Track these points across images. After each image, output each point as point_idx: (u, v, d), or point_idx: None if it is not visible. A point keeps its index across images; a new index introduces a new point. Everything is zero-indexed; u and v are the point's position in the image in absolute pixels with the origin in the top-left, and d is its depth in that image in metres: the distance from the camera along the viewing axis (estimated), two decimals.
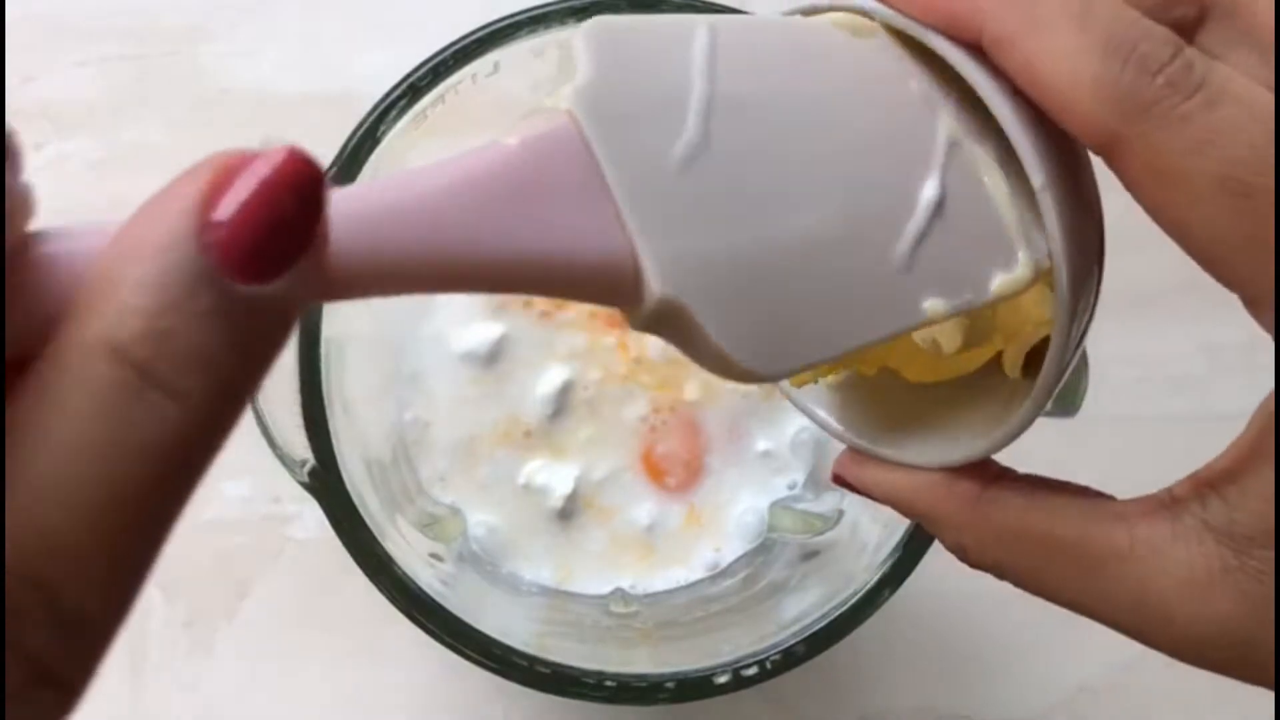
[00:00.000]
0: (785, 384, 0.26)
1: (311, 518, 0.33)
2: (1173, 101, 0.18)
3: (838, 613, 0.34)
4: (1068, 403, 0.31)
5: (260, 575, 0.44)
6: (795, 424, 0.42)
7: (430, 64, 0.34)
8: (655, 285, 0.17)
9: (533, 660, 0.33)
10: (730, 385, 0.42)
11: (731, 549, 0.42)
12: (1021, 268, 0.21)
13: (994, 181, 0.21)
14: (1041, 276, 0.21)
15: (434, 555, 0.38)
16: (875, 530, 0.36)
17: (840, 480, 0.25)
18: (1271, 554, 0.19)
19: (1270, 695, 0.43)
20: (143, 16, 0.49)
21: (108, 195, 0.47)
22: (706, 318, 0.18)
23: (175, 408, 0.12)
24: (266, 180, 0.12)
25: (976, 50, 0.20)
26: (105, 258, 0.12)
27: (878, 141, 0.20)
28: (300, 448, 0.33)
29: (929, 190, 0.20)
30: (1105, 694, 0.45)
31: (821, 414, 0.26)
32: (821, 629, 0.34)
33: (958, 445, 0.22)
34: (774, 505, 0.42)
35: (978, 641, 0.45)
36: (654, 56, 0.18)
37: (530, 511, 0.41)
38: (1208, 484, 0.20)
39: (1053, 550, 0.21)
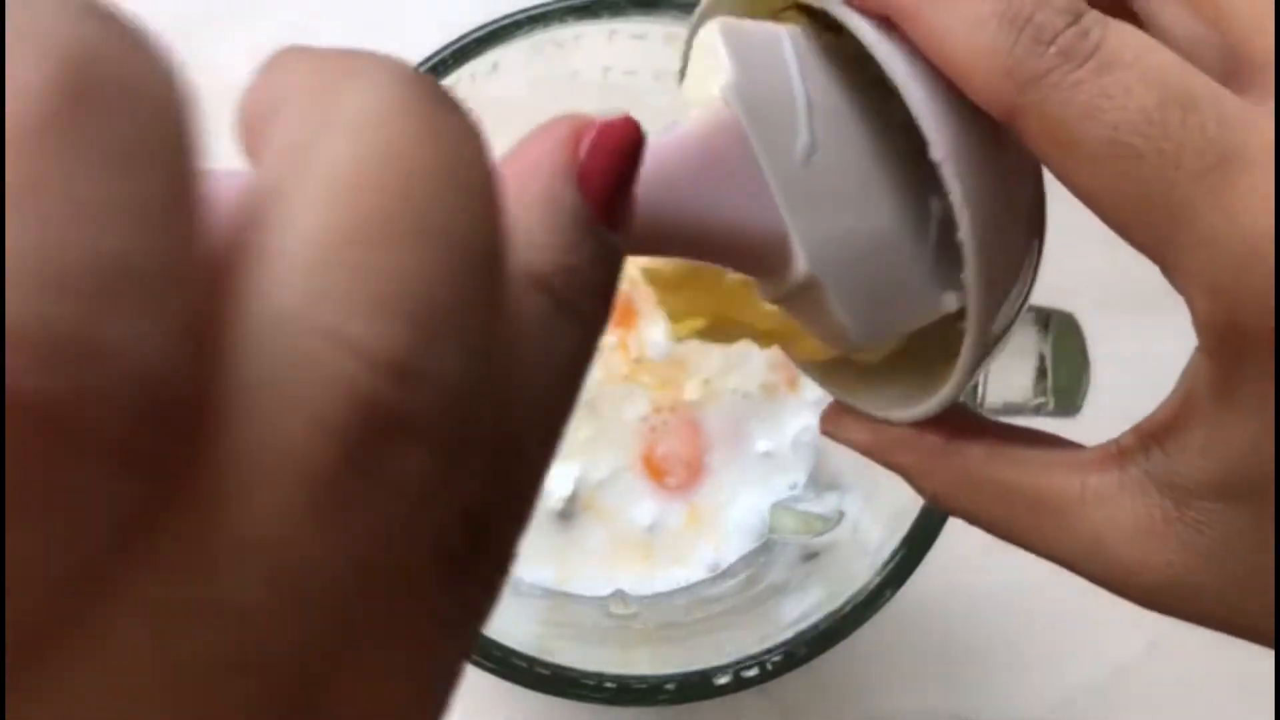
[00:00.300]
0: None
1: None
2: (1065, 70, 0.18)
3: (839, 614, 0.34)
4: (1068, 403, 0.31)
5: None
6: (796, 424, 0.42)
7: (429, 63, 0.34)
8: (802, 263, 0.20)
9: (533, 661, 0.33)
10: (730, 385, 0.42)
11: (732, 550, 0.42)
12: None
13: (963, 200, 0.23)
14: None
15: None
16: (876, 531, 0.36)
17: (826, 432, 0.26)
18: (1210, 505, 0.20)
19: (1270, 696, 0.43)
20: (142, 16, 0.49)
21: None
22: (835, 294, 0.20)
23: (580, 330, 0.14)
24: (619, 135, 0.14)
25: (890, 26, 0.20)
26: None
27: (909, 155, 0.21)
28: None
29: (935, 203, 0.22)
30: (1106, 695, 0.45)
31: (811, 368, 0.27)
32: (822, 630, 0.34)
33: (912, 402, 0.24)
34: (775, 506, 0.42)
35: (979, 643, 0.45)
36: (766, 58, 0.20)
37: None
38: (1150, 436, 0.21)
39: (1013, 499, 0.22)
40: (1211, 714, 0.45)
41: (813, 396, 0.42)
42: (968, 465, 0.23)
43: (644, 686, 0.34)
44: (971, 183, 0.20)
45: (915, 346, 0.25)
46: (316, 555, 0.10)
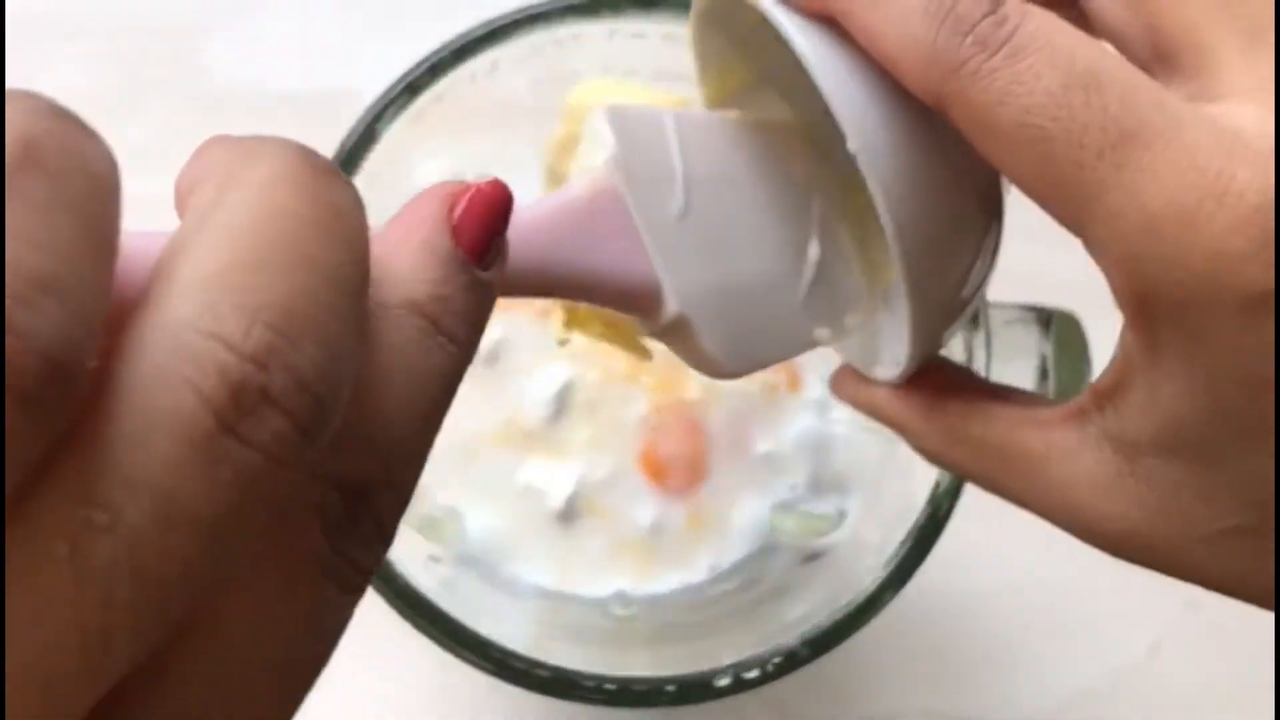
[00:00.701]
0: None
1: None
2: (981, 58, 0.19)
3: (839, 616, 0.34)
4: (1069, 399, 0.31)
5: None
6: (797, 425, 0.42)
7: (429, 63, 0.34)
8: (672, 304, 0.23)
9: (532, 663, 0.33)
10: (731, 386, 0.42)
11: (733, 552, 0.41)
12: (863, 308, 0.27)
13: (848, 247, 0.27)
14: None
15: (433, 557, 0.38)
16: (877, 533, 0.35)
17: (834, 392, 0.28)
18: (1154, 462, 0.21)
19: (1271, 698, 0.42)
20: (142, 16, 0.49)
21: None
22: (702, 330, 0.24)
23: (453, 349, 0.17)
24: (487, 196, 0.18)
25: (830, 23, 0.22)
26: (383, 250, 0.17)
27: (781, 211, 0.26)
28: None
29: (813, 251, 0.26)
30: (1106, 697, 0.45)
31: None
32: (823, 632, 0.34)
33: (888, 366, 0.26)
34: (776, 507, 0.42)
35: (979, 645, 0.45)
36: (648, 136, 0.24)
37: (530, 513, 0.41)
38: (1102, 395, 0.22)
39: (989, 454, 0.24)
40: (1211, 716, 0.45)
41: (814, 397, 0.42)
42: (949, 424, 0.25)
43: (644, 688, 0.33)
44: (888, 167, 0.21)
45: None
46: (194, 492, 0.13)
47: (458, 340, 0.17)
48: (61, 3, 0.49)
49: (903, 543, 0.34)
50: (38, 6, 0.49)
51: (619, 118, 0.24)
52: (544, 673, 0.33)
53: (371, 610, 0.33)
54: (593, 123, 0.24)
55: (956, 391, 0.25)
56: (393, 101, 0.34)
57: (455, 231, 0.17)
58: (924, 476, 0.34)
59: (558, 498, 0.41)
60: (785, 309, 0.26)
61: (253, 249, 0.14)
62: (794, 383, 0.42)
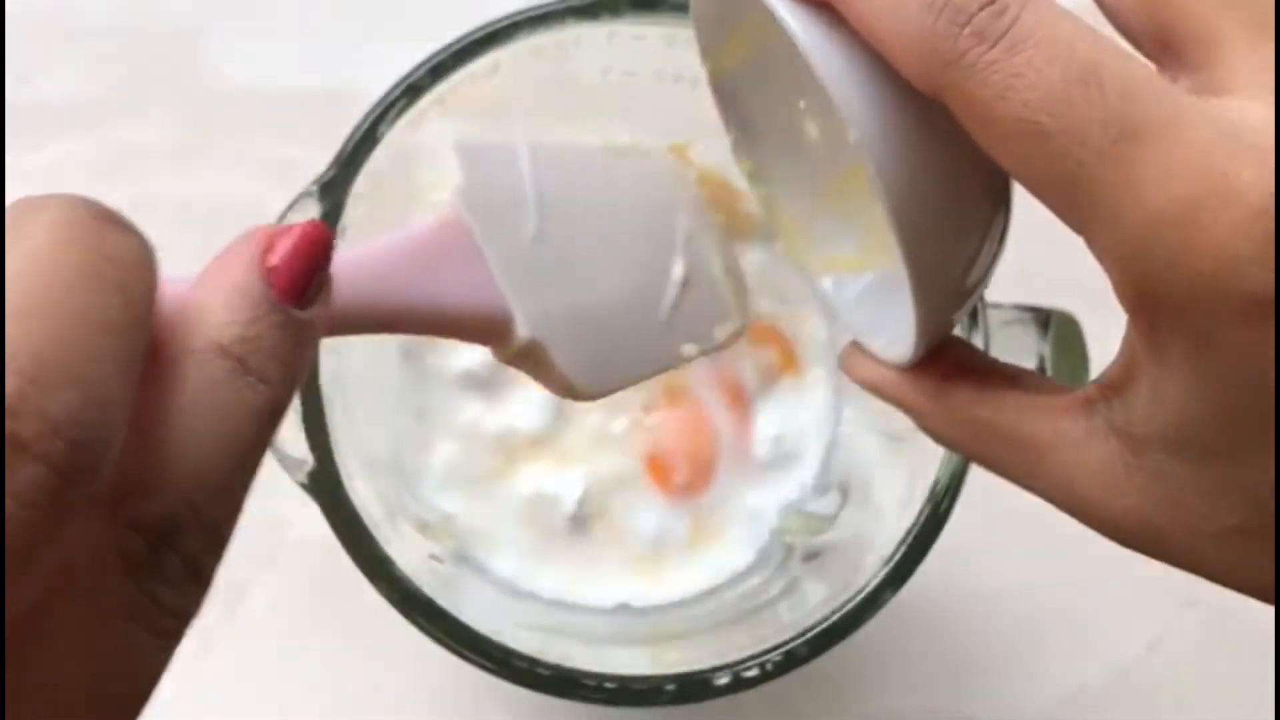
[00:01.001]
0: (814, 280, 0.29)
1: (311, 518, 0.33)
2: (979, 51, 0.19)
3: (839, 614, 0.34)
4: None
5: (259, 576, 0.44)
6: (798, 426, 0.42)
7: (430, 64, 0.34)
8: (523, 329, 0.24)
9: (533, 662, 0.33)
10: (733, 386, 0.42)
11: (740, 556, 0.42)
12: (734, 323, 0.30)
13: (715, 264, 0.29)
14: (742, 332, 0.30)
15: (434, 556, 0.38)
16: (877, 531, 0.36)
17: (845, 370, 0.28)
18: (1161, 456, 0.21)
19: (1271, 696, 0.42)
20: (143, 16, 0.49)
21: (108, 196, 0.47)
22: (557, 353, 0.25)
23: (264, 387, 0.17)
24: (303, 238, 0.18)
25: (827, 10, 0.21)
26: (195, 294, 0.17)
27: (641, 233, 0.27)
28: (300, 448, 0.33)
29: (677, 270, 0.28)
30: (1105, 695, 0.45)
31: (838, 306, 0.28)
32: (823, 630, 0.34)
33: (897, 347, 0.26)
34: (781, 508, 0.42)
35: (979, 643, 0.45)
36: (498, 167, 0.25)
37: (532, 520, 0.41)
38: (1109, 387, 0.21)
39: (995, 438, 0.23)
40: (1211, 714, 0.45)
41: (816, 397, 0.42)
42: (957, 406, 0.24)
43: (644, 687, 0.33)
44: (888, 155, 0.21)
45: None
46: None
47: (268, 379, 0.17)
48: (61, 3, 0.49)
49: (902, 541, 0.34)
50: (38, 6, 0.49)
51: (467, 151, 0.25)
52: (544, 671, 0.33)
53: (373, 609, 0.33)
54: (449, 160, 0.25)
55: (965, 374, 0.25)
56: (394, 103, 0.34)
57: (273, 272, 0.18)
58: (924, 475, 0.34)
59: (561, 504, 0.41)
60: (647, 328, 0.27)
61: (13, 298, 0.14)
62: (796, 383, 0.42)
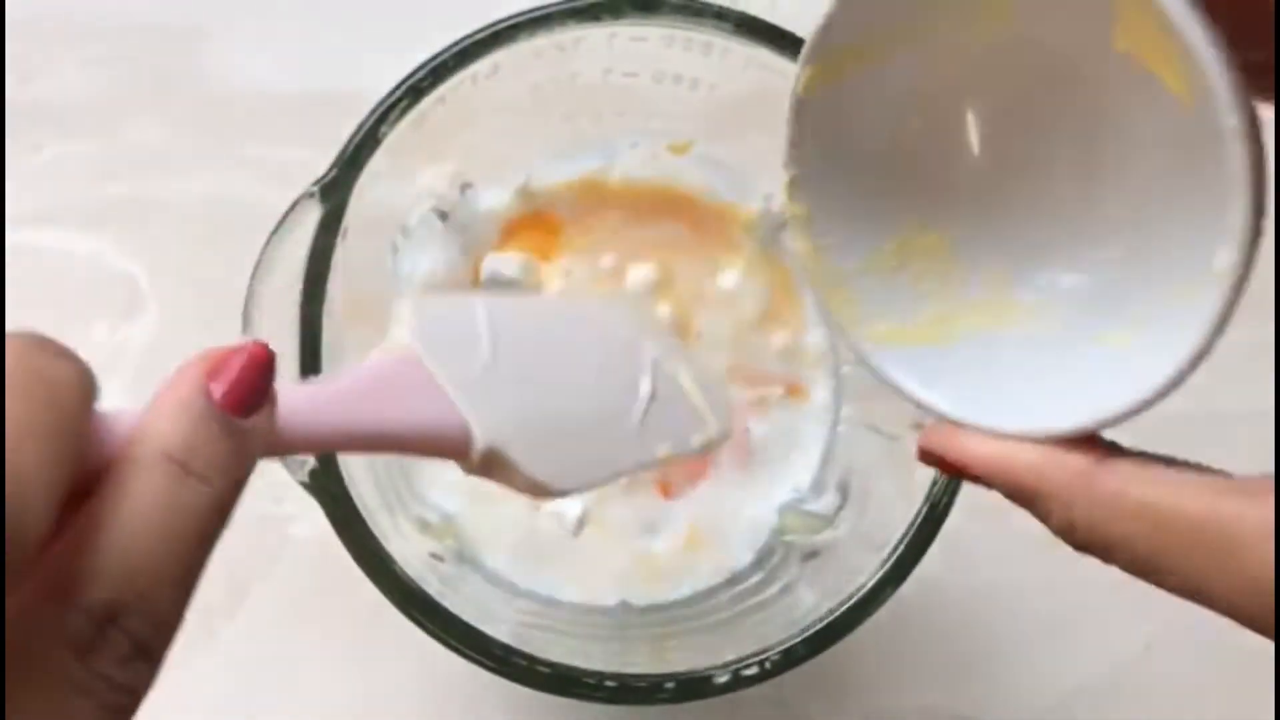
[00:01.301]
0: (870, 356, 0.26)
1: (311, 518, 0.33)
2: None
3: (838, 612, 0.34)
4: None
5: (260, 575, 0.44)
6: (797, 426, 0.42)
7: (431, 65, 0.34)
8: (480, 440, 0.27)
9: (533, 660, 0.33)
10: (734, 387, 0.42)
11: (738, 556, 0.42)
12: (711, 430, 0.33)
13: (685, 380, 0.33)
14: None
15: (434, 555, 0.38)
16: (877, 530, 0.36)
17: (929, 456, 0.24)
18: None
19: (1271, 696, 0.43)
20: (143, 16, 0.49)
21: (108, 196, 0.47)
22: (518, 457, 0.27)
23: (206, 489, 0.19)
24: (248, 356, 0.21)
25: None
26: (147, 415, 0.19)
27: (606, 356, 0.32)
28: None
29: (645, 387, 0.32)
30: (1105, 694, 0.45)
31: (910, 383, 0.25)
32: (822, 628, 0.34)
33: (1074, 410, 0.21)
34: (780, 507, 0.42)
35: (978, 641, 0.46)
36: (451, 313, 0.29)
37: (532, 519, 0.41)
38: None
39: (1177, 527, 0.20)
40: (1210, 714, 0.45)
41: (817, 397, 0.42)
42: (1128, 490, 0.20)
43: (644, 685, 0.34)
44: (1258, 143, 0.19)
45: (1055, 351, 0.24)
46: None
47: (209, 481, 0.19)
48: (62, 3, 0.49)
49: (901, 539, 0.34)
50: (38, 6, 0.49)
51: (419, 306, 0.28)
52: (544, 669, 0.33)
53: (374, 608, 0.33)
54: (399, 309, 0.27)
55: (1125, 456, 0.21)
56: (395, 104, 0.34)
57: (215, 385, 0.20)
58: (922, 474, 0.34)
59: (560, 507, 0.41)
60: (618, 434, 0.31)
61: None
62: (796, 391, 0.43)
